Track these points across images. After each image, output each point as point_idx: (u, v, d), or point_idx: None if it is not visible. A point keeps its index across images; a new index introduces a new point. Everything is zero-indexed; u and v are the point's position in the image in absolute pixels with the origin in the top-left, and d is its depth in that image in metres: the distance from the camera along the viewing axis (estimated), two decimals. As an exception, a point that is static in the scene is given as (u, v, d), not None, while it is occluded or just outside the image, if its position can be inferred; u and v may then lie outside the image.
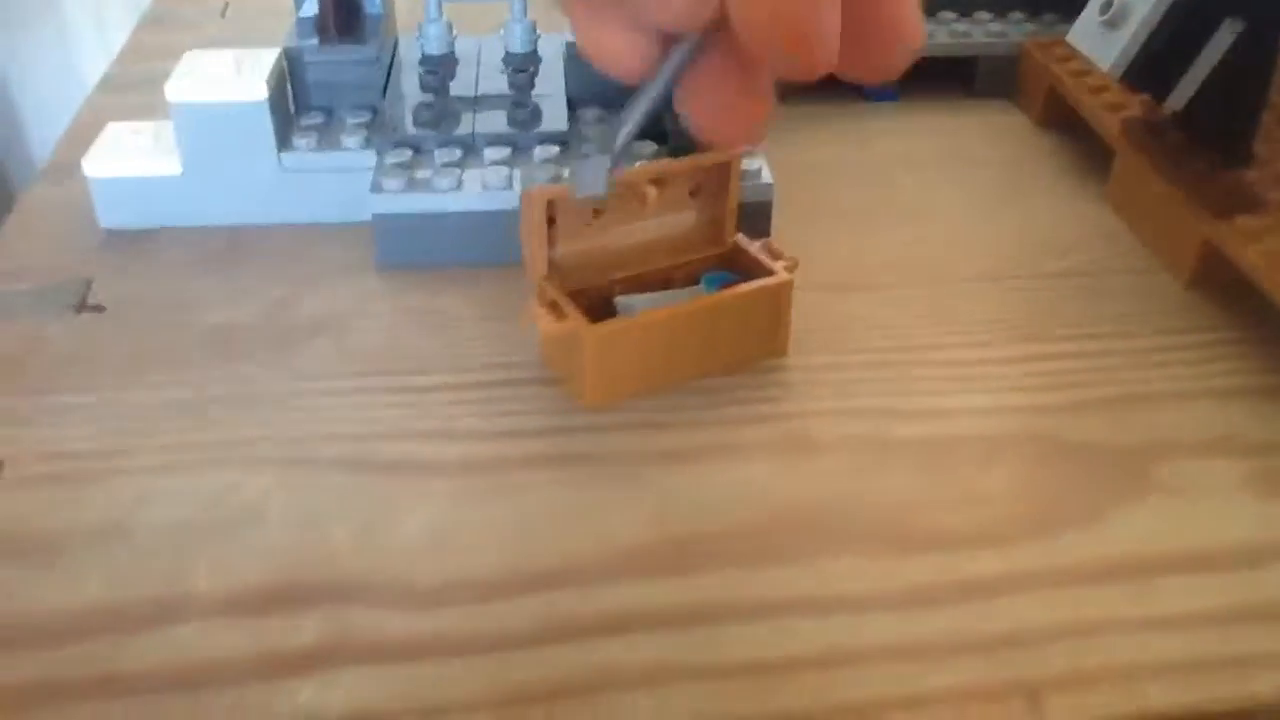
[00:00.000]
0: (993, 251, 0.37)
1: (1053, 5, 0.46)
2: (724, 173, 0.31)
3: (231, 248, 0.36)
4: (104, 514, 0.27)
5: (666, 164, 0.31)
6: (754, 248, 0.32)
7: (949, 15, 0.46)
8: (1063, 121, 0.43)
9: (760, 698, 0.23)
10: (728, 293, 0.30)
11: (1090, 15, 0.35)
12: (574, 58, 0.38)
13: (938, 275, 0.35)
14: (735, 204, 0.32)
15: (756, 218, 0.35)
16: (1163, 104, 0.35)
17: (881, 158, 0.42)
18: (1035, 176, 0.41)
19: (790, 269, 0.31)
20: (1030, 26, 0.46)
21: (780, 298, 0.31)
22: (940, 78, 0.46)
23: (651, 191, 0.30)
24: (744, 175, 0.35)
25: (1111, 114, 0.39)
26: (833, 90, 0.45)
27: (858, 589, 0.25)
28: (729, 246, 0.32)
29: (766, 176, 0.35)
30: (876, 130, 0.44)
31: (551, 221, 0.30)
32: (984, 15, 0.46)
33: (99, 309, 0.34)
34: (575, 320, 0.29)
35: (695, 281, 0.32)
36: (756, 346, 0.31)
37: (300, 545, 0.26)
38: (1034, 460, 0.29)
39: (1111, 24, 0.34)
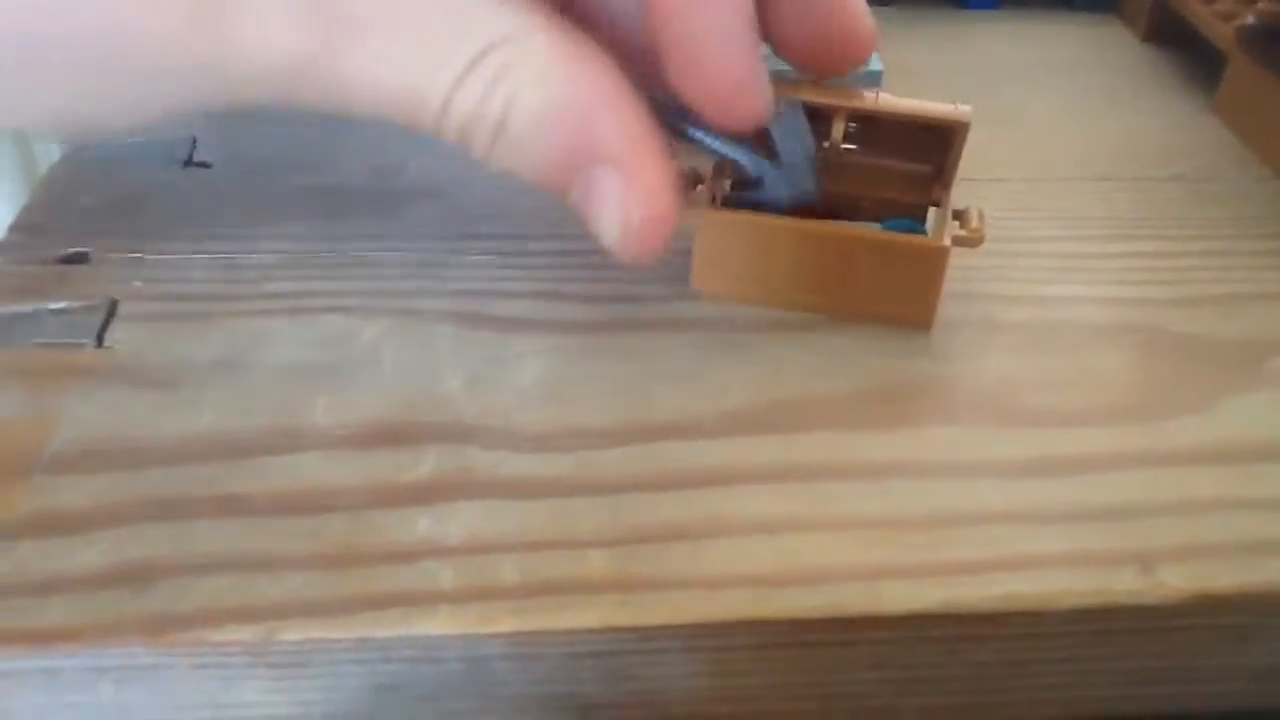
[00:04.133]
0: (1095, 154, 0.36)
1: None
2: (947, 134, 0.28)
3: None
4: (221, 351, 0.27)
5: (871, 101, 0.28)
6: (948, 203, 0.29)
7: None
8: (1169, 35, 0.42)
9: (864, 550, 0.23)
10: (851, 231, 0.28)
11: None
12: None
13: (1040, 173, 0.35)
14: (955, 172, 0.29)
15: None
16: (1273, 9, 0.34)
17: (979, 63, 0.42)
18: (1139, 87, 0.40)
19: (962, 240, 0.28)
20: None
21: (930, 263, 0.28)
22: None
23: (840, 130, 0.29)
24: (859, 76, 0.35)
25: (1224, 22, 0.38)
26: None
27: (965, 458, 0.25)
28: (938, 203, 0.29)
29: (876, 64, 0.35)
30: (975, 36, 0.43)
31: None
32: (1088, -73, 0.45)
33: (205, 165, 0.34)
34: (692, 197, 0.28)
35: (880, 218, 0.30)
36: (897, 307, 0.29)
37: (415, 388, 0.26)
38: (1142, 348, 0.28)
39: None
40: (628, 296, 0.29)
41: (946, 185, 0.29)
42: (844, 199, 0.30)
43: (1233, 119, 0.38)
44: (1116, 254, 0.32)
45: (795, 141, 0.27)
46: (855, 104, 0.28)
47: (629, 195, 0.23)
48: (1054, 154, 0.36)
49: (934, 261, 0.28)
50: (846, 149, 0.29)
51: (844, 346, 0.28)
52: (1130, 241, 0.32)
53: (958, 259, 0.28)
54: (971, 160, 0.33)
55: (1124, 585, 0.22)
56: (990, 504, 0.24)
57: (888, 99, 0.28)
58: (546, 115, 0.22)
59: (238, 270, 0.30)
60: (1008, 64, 0.42)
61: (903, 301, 0.29)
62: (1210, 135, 0.37)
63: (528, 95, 0.22)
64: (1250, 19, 0.37)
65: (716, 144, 0.27)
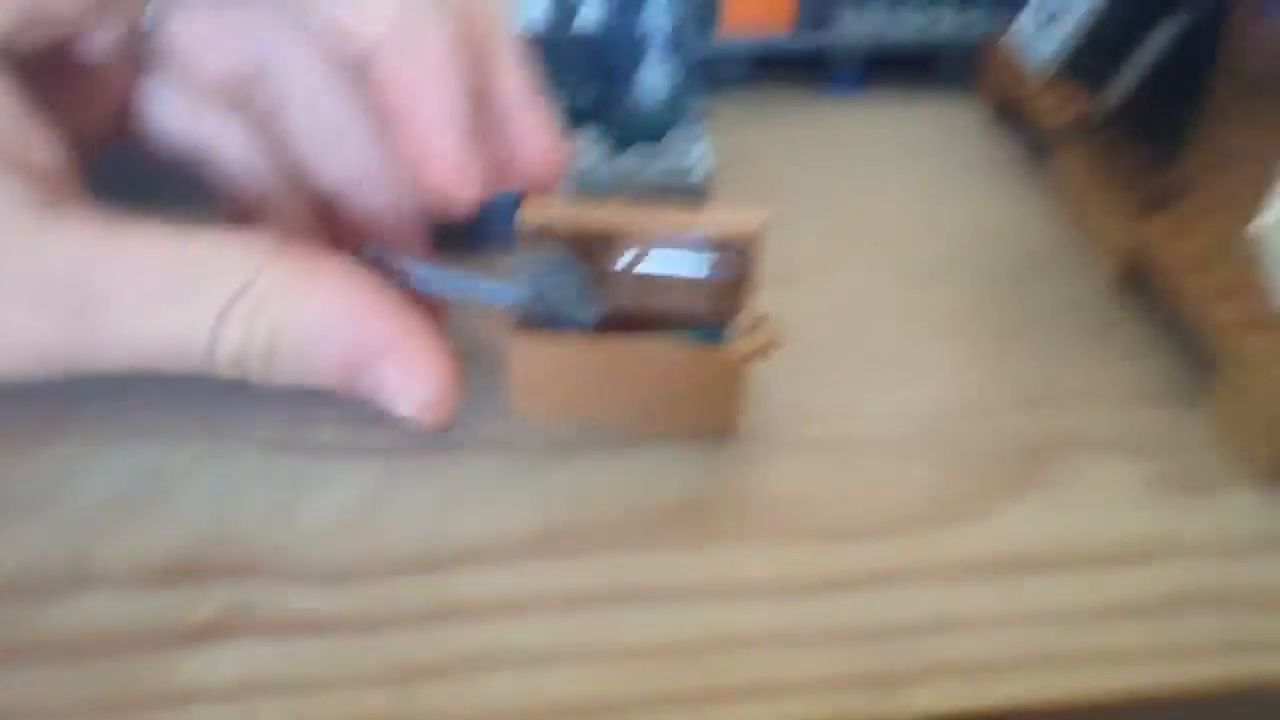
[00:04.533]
0: (930, 244, 0.37)
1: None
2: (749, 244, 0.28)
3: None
4: (27, 486, 0.28)
5: (661, 219, 0.29)
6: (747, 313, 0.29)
7: (913, 6, 0.46)
8: (1017, 114, 0.43)
9: (630, 681, 0.24)
10: (648, 346, 0.29)
11: (1030, 11, 0.35)
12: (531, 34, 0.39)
13: (869, 270, 0.36)
14: (752, 281, 0.29)
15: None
16: (1098, 98, 0.35)
17: (835, 145, 0.43)
18: (984, 168, 0.41)
19: (756, 351, 0.29)
20: (991, 20, 0.46)
21: (727, 375, 0.29)
22: (907, 68, 0.46)
23: (633, 249, 0.29)
24: (673, 173, 0.36)
25: (1057, 108, 0.39)
26: (799, 77, 0.46)
27: (746, 576, 0.26)
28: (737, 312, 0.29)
29: (706, 167, 0.36)
30: (836, 117, 0.44)
31: None
32: (949, 6, 0.46)
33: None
34: (507, 325, 0.29)
35: (690, 326, 0.30)
36: (701, 418, 0.29)
37: (213, 521, 0.27)
38: (935, 457, 0.29)
39: (1050, 20, 0.34)
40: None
41: (746, 294, 0.30)
42: (649, 311, 0.31)
43: (1061, 203, 0.38)
44: (928, 356, 0.32)
45: (560, 274, 0.28)
46: (637, 226, 0.29)
47: (409, 382, 0.25)
48: (886, 244, 0.37)
49: (730, 373, 0.29)
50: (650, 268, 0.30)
51: (646, 463, 0.29)
52: (941, 342, 0.33)
53: (768, 365, 0.29)
54: (807, 257, 0.34)
55: (859, 710, 0.23)
56: (757, 626, 0.25)
57: (673, 217, 0.29)
58: (309, 335, 0.24)
59: (58, 393, 0.31)
60: (862, 145, 0.43)
61: (705, 413, 0.29)
62: (1043, 218, 0.38)
63: (287, 322, 0.24)
64: (1080, 106, 0.38)
65: (481, 290, 0.28)
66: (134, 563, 0.26)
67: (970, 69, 0.45)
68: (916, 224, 0.38)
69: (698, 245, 0.29)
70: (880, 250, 0.37)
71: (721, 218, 0.29)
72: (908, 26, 0.46)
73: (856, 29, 0.45)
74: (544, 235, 0.29)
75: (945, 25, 0.46)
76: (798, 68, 0.46)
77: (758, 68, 0.46)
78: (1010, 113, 0.43)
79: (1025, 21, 0.36)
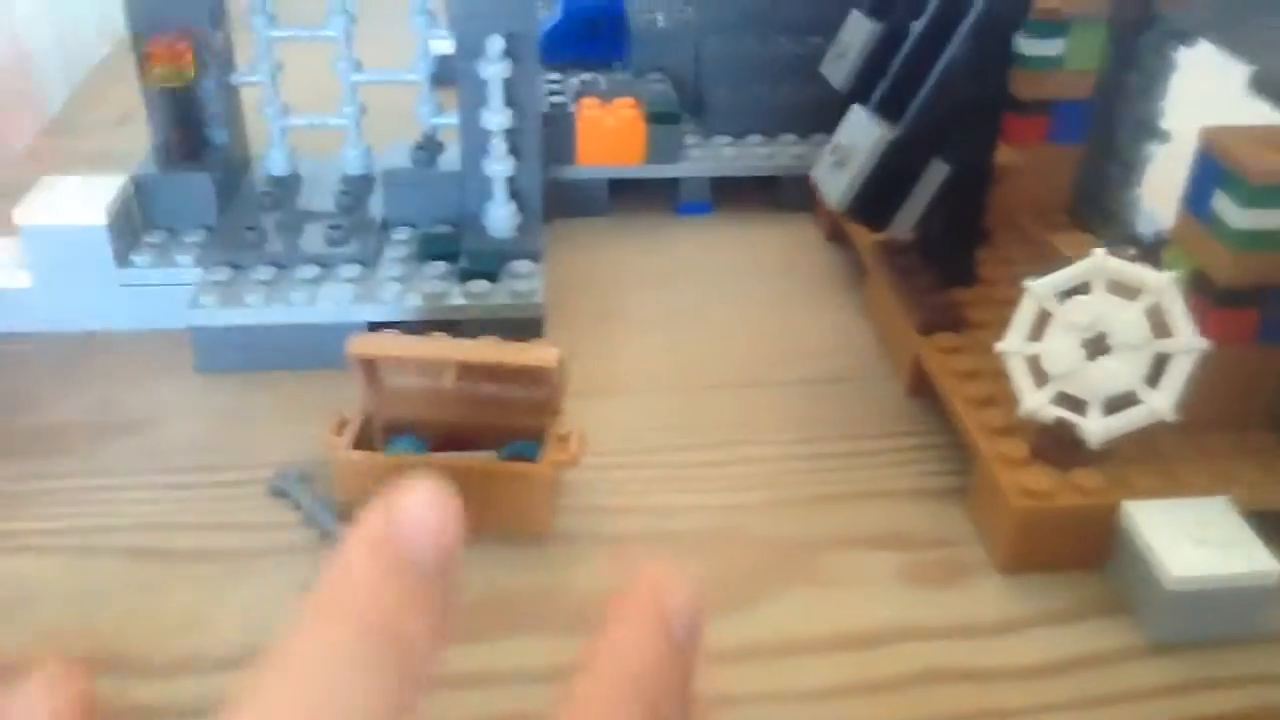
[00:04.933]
0: (749, 359, 0.41)
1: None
2: (549, 375, 0.32)
3: (78, 351, 0.41)
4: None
5: (472, 350, 0.33)
6: (554, 429, 0.33)
7: (756, 138, 0.51)
8: (846, 236, 0.47)
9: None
10: (466, 461, 0.33)
11: (825, 155, 0.40)
12: (389, 179, 0.43)
13: (690, 382, 0.40)
14: (558, 402, 0.33)
15: (526, 335, 0.39)
16: (880, 230, 0.39)
17: (678, 267, 0.47)
18: (813, 286, 0.46)
19: (561, 463, 0.32)
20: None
21: (536, 484, 0.32)
22: (753, 193, 0.51)
23: (451, 377, 0.34)
24: (516, 295, 0.40)
25: (864, 235, 0.43)
26: (649, 203, 0.51)
27: (534, 665, 0.29)
28: (549, 427, 0.33)
29: (537, 298, 0.40)
30: (682, 240, 0.49)
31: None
32: (789, 138, 0.51)
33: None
34: (334, 442, 0.33)
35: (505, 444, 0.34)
36: (518, 522, 0.33)
37: (76, 624, 0.30)
38: (725, 551, 0.33)
39: (839, 164, 0.39)
40: (280, 524, 0.34)
41: (554, 413, 0.34)
42: (473, 428, 0.34)
43: (872, 322, 0.43)
44: (730, 460, 0.36)
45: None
46: (458, 356, 0.33)
47: None
48: (709, 360, 0.41)
49: (539, 483, 0.33)
50: (470, 384, 0.34)
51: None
52: (747, 447, 0.37)
53: (582, 472, 0.33)
54: (632, 373, 0.38)
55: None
56: (538, 712, 0.28)
57: (487, 348, 0.33)
58: None
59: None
60: (703, 266, 0.47)
61: (521, 517, 0.33)
62: (857, 335, 0.42)
63: None
64: (875, 240, 0.43)
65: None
66: (-11, 659, 0.29)
67: (807, 194, 0.50)
68: (745, 336, 0.42)
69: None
70: (707, 362, 0.41)
71: (526, 350, 0.33)
72: (752, 156, 0.51)
73: (703, 160, 0.50)
74: (373, 362, 0.33)
75: (785, 155, 0.51)
76: (652, 194, 0.51)
77: (616, 195, 0.50)
78: (841, 236, 0.48)
79: (821, 164, 0.40)
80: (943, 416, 0.37)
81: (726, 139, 0.51)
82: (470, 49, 0.40)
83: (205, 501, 0.35)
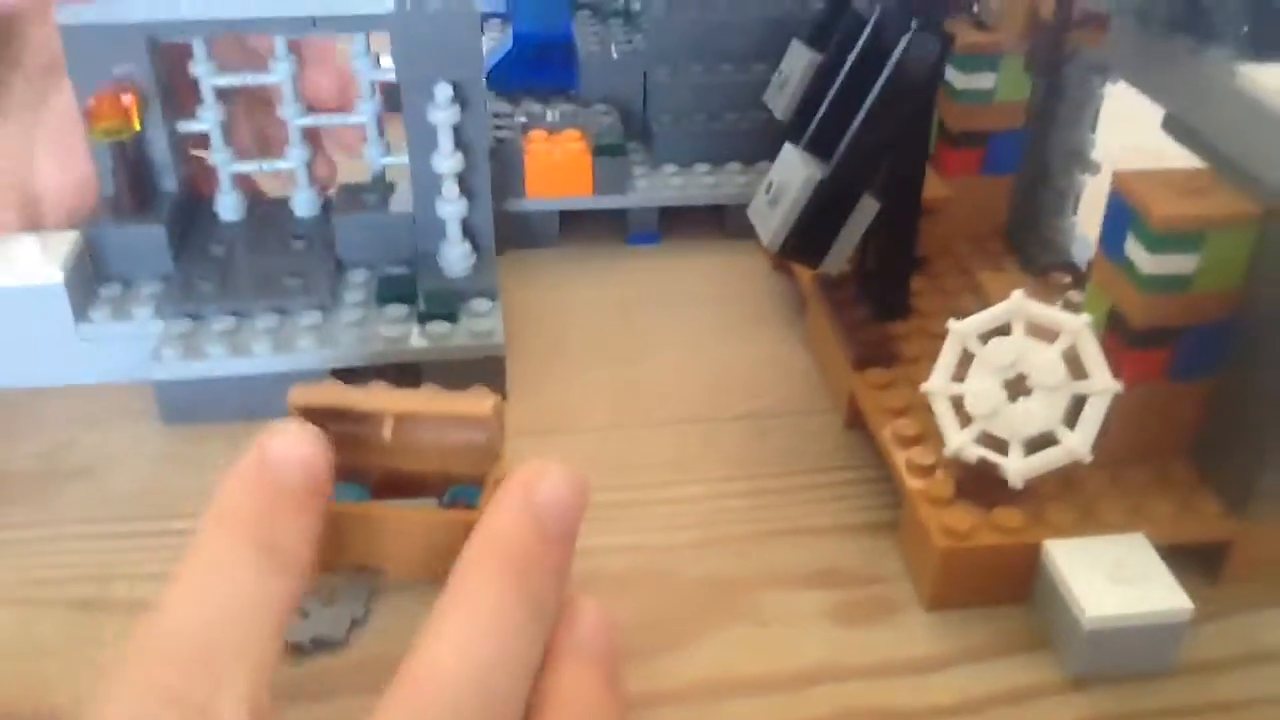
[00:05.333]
0: (692, 393, 0.42)
1: (799, 155, 0.52)
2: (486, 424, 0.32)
3: (39, 403, 0.41)
4: None
5: (409, 401, 0.32)
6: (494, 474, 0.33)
7: (703, 167, 0.52)
8: (789, 265, 0.48)
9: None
10: (399, 511, 0.32)
11: (760, 192, 0.41)
12: (342, 221, 0.44)
13: (632, 418, 0.41)
14: (498, 449, 0.33)
15: (488, 374, 0.40)
16: (814, 269, 0.40)
17: (627, 298, 0.48)
18: (757, 316, 0.47)
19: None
20: (777, 175, 0.51)
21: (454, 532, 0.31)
22: (700, 221, 0.52)
23: (389, 427, 0.34)
24: (475, 335, 0.41)
25: (802, 269, 0.44)
26: (599, 233, 0.51)
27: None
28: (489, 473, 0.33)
29: (497, 338, 0.41)
30: (631, 270, 0.50)
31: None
32: (734, 166, 0.52)
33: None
34: None
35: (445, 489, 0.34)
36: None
37: (20, 678, 0.31)
38: (656, 592, 0.34)
39: (772, 203, 0.40)
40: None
41: (494, 458, 0.35)
42: (415, 474, 0.35)
43: (812, 353, 0.44)
44: (665, 499, 0.37)
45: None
46: (395, 407, 0.34)
47: None
48: (653, 395, 0.42)
49: (455, 531, 0.33)
50: (410, 432, 0.35)
51: (395, 608, 0.33)
52: (680, 486, 0.38)
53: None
54: (578, 409, 0.39)
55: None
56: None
57: (424, 398, 0.34)
58: None
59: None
60: (651, 298, 0.48)
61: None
62: (797, 368, 0.43)
63: None
64: (812, 275, 0.44)
65: None
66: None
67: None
68: (689, 370, 0.43)
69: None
70: (650, 398, 0.42)
71: (463, 400, 0.34)
72: (698, 185, 0.51)
73: (651, 191, 0.51)
74: (311, 412, 0.34)
75: (731, 183, 0.51)
76: (601, 223, 0.51)
77: (565, 225, 0.51)
78: (784, 263, 0.49)
79: (756, 202, 0.41)
80: (878, 450, 0.38)
81: (673, 168, 0.52)
82: (417, 94, 0.41)
83: (153, 550, 0.35)
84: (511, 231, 0.50)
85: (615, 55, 0.55)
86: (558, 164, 0.50)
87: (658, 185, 0.51)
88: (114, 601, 0.34)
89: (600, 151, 0.49)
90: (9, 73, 0.44)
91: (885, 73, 0.38)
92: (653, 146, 0.53)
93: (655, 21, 0.53)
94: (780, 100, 0.49)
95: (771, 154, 0.51)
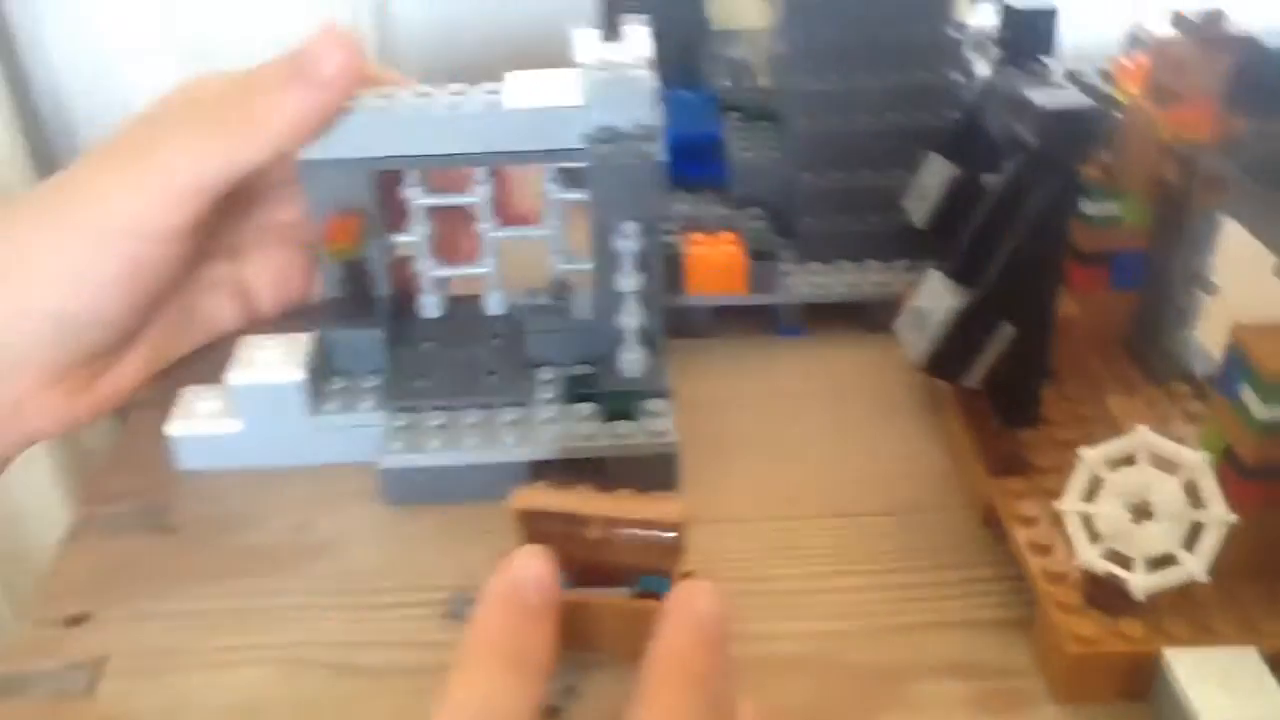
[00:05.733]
0: (840, 485, 0.48)
1: (932, 256, 0.56)
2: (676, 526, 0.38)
3: (278, 482, 0.49)
4: (167, 699, 0.39)
5: (614, 506, 0.38)
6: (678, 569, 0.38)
7: (846, 265, 0.57)
8: (927, 363, 0.53)
9: None
10: (599, 599, 0.38)
11: (906, 315, 0.46)
12: (535, 325, 0.51)
13: (792, 509, 0.46)
14: (682, 545, 0.38)
15: (661, 468, 0.46)
16: (959, 385, 0.45)
17: (776, 390, 0.54)
18: (897, 410, 0.52)
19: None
20: (912, 274, 0.56)
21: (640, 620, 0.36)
22: (843, 315, 0.57)
23: (596, 528, 0.39)
24: (652, 434, 0.47)
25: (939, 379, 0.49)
26: (748, 325, 0.57)
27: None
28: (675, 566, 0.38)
29: (670, 437, 0.47)
30: (779, 362, 0.55)
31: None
32: (874, 264, 0.57)
33: (174, 530, 0.47)
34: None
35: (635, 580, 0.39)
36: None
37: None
38: (816, 677, 0.39)
39: (917, 326, 0.45)
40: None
41: (678, 557, 0.41)
42: (609, 566, 0.41)
43: (949, 454, 0.49)
44: (824, 589, 0.43)
45: None
46: (603, 511, 0.40)
47: None
48: (806, 487, 0.48)
49: (640, 620, 0.39)
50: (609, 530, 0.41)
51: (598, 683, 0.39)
52: (839, 577, 0.43)
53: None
54: (737, 499, 0.44)
55: None
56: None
57: (627, 503, 0.40)
58: None
59: (180, 625, 0.42)
60: (798, 391, 0.53)
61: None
62: (936, 465, 0.49)
63: None
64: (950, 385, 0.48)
65: None
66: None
67: (894, 316, 0.55)
68: (837, 462, 0.49)
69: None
70: (801, 490, 0.47)
71: (658, 505, 0.40)
72: (841, 283, 0.57)
73: (799, 286, 0.57)
74: (528, 513, 0.40)
75: (870, 281, 0.57)
76: (752, 317, 0.57)
77: (718, 319, 0.57)
78: (920, 362, 0.54)
79: (904, 320, 0.46)
80: (1011, 552, 0.43)
81: (818, 265, 0.58)
82: (605, 224, 0.47)
83: (393, 621, 0.42)
84: (671, 323, 0.56)
85: (764, 162, 0.60)
86: (716, 265, 0.55)
87: (804, 282, 0.57)
88: (366, 667, 0.40)
89: (756, 256, 0.55)
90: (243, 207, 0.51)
91: (1026, 219, 0.43)
92: (798, 244, 0.58)
93: (800, 129, 0.58)
94: (919, 209, 0.54)
95: (910, 253, 0.57)
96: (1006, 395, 0.46)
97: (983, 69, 0.56)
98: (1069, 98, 0.42)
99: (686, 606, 0.33)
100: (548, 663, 0.33)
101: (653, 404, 0.48)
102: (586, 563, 0.42)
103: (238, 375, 0.47)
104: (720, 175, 0.63)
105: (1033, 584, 0.40)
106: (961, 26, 0.58)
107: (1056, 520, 0.40)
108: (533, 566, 0.34)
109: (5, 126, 0.79)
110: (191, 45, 0.78)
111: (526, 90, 0.47)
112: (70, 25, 0.80)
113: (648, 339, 0.50)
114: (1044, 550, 0.41)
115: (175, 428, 0.49)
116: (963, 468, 0.47)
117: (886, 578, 0.43)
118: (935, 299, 0.45)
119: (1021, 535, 0.41)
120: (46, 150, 0.83)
